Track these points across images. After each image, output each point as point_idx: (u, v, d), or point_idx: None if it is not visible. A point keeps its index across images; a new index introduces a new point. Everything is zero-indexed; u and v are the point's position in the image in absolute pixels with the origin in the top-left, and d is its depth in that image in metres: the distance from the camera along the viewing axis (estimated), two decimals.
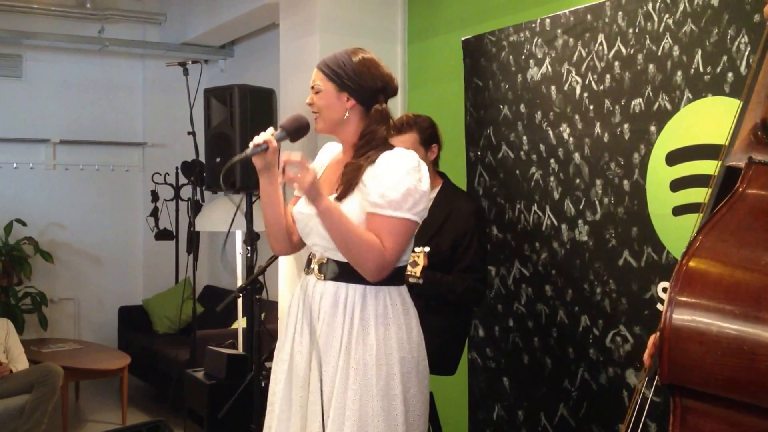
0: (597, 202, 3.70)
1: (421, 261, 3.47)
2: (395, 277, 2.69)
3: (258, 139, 2.61)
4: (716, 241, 1.78)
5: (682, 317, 1.73)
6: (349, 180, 2.63)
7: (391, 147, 2.69)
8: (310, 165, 2.53)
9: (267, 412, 2.83)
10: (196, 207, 6.61)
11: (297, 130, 2.69)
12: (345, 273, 2.62)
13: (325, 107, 2.70)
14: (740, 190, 1.85)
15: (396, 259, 2.59)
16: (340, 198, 2.62)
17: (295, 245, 2.87)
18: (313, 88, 2.73)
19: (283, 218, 2.79)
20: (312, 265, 2.71)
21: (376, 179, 2.59)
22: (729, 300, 1.70)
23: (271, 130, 2.65)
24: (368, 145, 2.67)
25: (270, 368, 2.88)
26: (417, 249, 3.42)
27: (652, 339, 2.08)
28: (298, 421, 2.65)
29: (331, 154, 2.91)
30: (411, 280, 3.40)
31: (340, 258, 2.62)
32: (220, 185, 3.53)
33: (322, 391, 2.58)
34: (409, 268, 3.33)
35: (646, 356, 2.09)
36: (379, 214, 2.55)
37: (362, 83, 2.70)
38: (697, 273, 1.75)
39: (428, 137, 3.71)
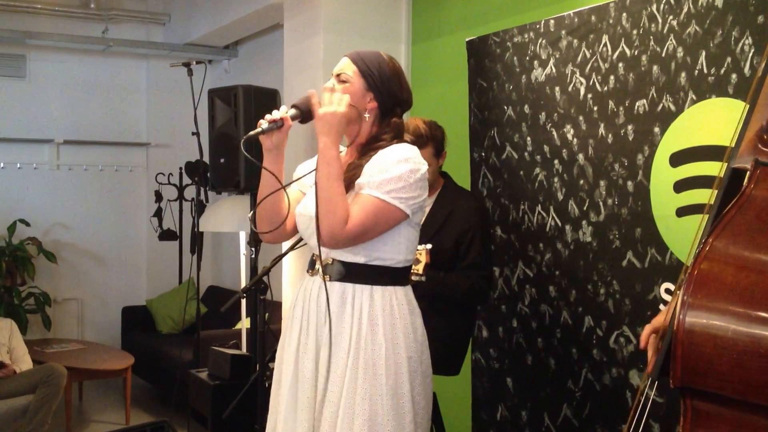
0: (601, 203, 3.70)
1: (424, 258, 3.47)
2: (400, 277, 2.69)
3: (273, 116, 2.60)
4: (728, 243, 1.78)
5: (696, 320, 1.73)
6: (350, 177, 2.63)
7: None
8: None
9: (269, 413, 2.83)
10: (199, 207, 6.61)
11: (310, 111, 2.68)
12: (351, 273, 2.62)
13: None
14: (748, 191, 1.85)
15: (355, 235, 2.54)
16: None
17: (287, 234, 2.85)
18: (339, 76, 2.70)
19: (282, 202, 2.76)
20: (316, 266, 2.70)
21: (366, 166, 2.60)
22: (744, 302, 1.70)
23: (284, 107, 2.64)
24: (374, 149, 2.66)
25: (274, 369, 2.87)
26: (420, 246, 3.42)
27: (648, 331, 2.07)
28: (304, 422, 2.64)
29: None
30: (414, 278, 3.40)
31: (346, 258, 2.62)
32: (230, 179, 3.51)
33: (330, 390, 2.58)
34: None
35: (650, 352, 2.06)
36: (358, 192, 2.56)
37: (390, 90, 2.71)
38: (711, 275, 1.75)
39: (441, 146, 3.72)
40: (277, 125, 2.60)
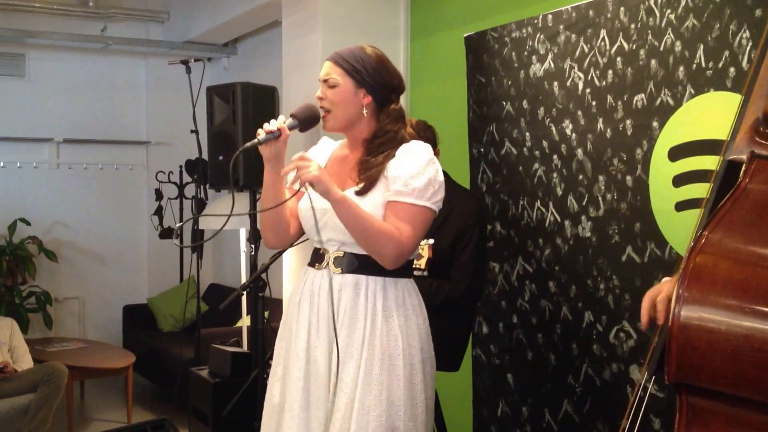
0: (600, 198, 3.69)
1: (426, 253, 3.48)
2: (408, 269, 2.73)
3: (270, 126, 2.59)
4: (722, 236, 1.77)
5: (690, 315, 1.72)
6: (371, 176, 2.64)
7: (405, 140, 2.71)
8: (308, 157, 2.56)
9: (266, 410, 2.81)
10: (200, 205, 6.61)
11: (308, 120, 2.67)
12: (363, 265, 2.63)
13: (342, 103, 2.68)
14: (743, 184, 1.85)
15: (414, 246, 2.60)
16: (362, 193, 2.62)
17: (291, 238, 2.86)
18: (326, 81, 2.69)
19: (285, 210, 2.77)
20: (326, 260, 2.70)
21: (398, 169, 2.60)
22: (738, 296, 1.69)
23: (282, 117, 2.63)
24: (385, 144, 2.67)
25: None
26: (422, 241, 3.42)
27: (648, 304, 2.07)
28: (321, 416, 2.63)
29: (328, 148, 2.90)
30: (416, 272, 3.39)
31: (358, 251, 2.63)
32: (229, 177, 3.51)
33: (341, 381, 2.60)
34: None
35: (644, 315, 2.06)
36: (402, 201, 2.57)
37: (380, 80, 2.71)
38: (705, 269, 1.75)
39: (433, 145, 3.69)
40: (274, 136, 2.59)
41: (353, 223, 2.53)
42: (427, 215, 2.61)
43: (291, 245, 3.00)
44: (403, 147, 2.65)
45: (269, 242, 2.87)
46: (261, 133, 2.59)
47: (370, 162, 2.66)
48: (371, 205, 2.59)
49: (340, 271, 2.66)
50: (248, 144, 2.59)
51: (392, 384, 2.57)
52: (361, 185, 2.64)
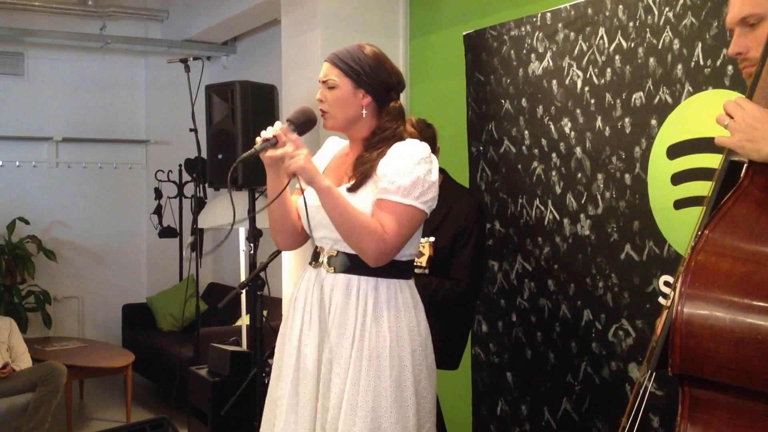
0: (599, 196, 3.69)
1: (427, 251, 3.48)
2: (404, 270, 2.71)
3: (266, 134, 2.60)
4: (724, 234, 1.80)
5: (694, 310, 1.75)
6: (363, 172, 2.64)
7: (402, 138, 2.70)
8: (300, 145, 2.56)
9: (266, 405, 2.83)
10: (199, 204, 6.60)
11: (304, 123, 2.67)
12: (356, 265, 2.62)
13: (341, 104, 2.68)
14: (745, 183, 1.87)
15: (397, 245, 2.57)
16: (353, 189, 2.62)
17: (300, 240, 2.87)
18: (325, 83, 2.70)
19: (291, 213, 2.79)
20: (321, 258, 2.71)
21: (386, 167, 2.59)
22: (741, 292, 1.72)
23: (278, 124, 2.64)
24: (382, 141, 2.67)
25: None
26: (423, 239, 3.42)
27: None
28: (307, 414, 2.64)
29: (334, 147, 2.91)
30: (417, 270, 3.39)
31: (351, 250, 2.62)
32: (227, 183, 3.52)
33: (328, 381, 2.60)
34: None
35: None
36: (387, 199, 2.56)
37: (378, 80, 2.70)
38: (707, 266, 1.77)
39: (433, 144, 3.70)
40: (271, 143, 2.59)
41: (336, 215, 2.53)
42: (413, 215, 2.58)
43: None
44: (396, 145, 2.64)
45: (279, 245, 2.90)
46: (258, 142, 2.60)
47: (365, 158, 2.67)
48: (362, 203, 2.59)
49: (333, 270, 2.66)
50: (245, 154, 2.59)
51: (379, 386, 2.56)
52: (352, 181, 2.64)
